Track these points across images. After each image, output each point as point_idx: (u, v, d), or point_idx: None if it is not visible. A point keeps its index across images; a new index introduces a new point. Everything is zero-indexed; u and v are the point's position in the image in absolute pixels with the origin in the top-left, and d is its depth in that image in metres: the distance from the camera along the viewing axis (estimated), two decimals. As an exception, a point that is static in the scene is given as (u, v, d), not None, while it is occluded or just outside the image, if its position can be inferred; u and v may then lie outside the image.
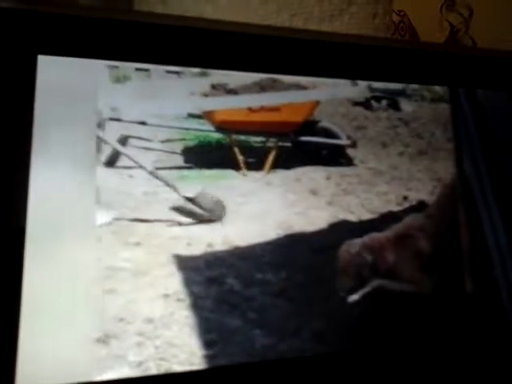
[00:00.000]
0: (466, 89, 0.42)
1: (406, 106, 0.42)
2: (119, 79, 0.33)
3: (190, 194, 0.33)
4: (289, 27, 0.40)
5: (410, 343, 0.36)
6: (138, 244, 0.31)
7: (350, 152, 0.39)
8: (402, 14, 0.70)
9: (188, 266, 0.32)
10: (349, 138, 0.40)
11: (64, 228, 0.29)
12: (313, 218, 0.36)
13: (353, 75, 0.39)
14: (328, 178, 0.38)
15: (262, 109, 0.38)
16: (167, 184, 0.33)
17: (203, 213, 0.33)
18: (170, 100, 0.35)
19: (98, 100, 0.32)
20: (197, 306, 0.31)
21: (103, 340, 0.28)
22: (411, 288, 0.37)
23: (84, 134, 0.31)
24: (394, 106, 0.42)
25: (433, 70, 0.41)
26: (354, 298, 0.35)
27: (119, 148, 0.33)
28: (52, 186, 0.29)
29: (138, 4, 0.44)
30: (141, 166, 0.33)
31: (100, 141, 0.32)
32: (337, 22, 0.43)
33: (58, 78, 0.30)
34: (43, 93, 0.30)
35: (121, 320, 0.29)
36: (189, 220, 0.33)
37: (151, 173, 0.33)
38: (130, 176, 0.33)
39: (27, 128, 0.29)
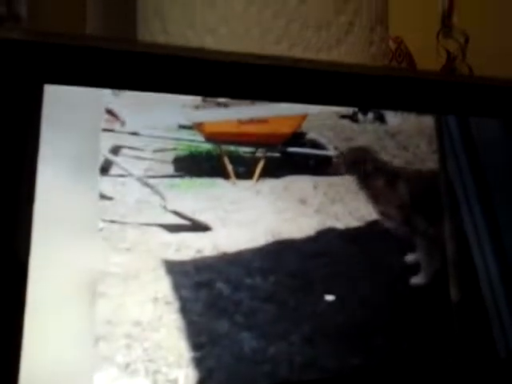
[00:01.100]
0: (462, 117, 0.43)
1: (392, 118, 0.44)
2: (114, 91, 0.35)
3: (177, 207, 0.34)
4: (288, 56, 0.41)
5: (400, 346, 0.36)
6: (128, 249, 0.32)
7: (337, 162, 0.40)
8: (398, 40, 0.71)
9: (177, 270, 0.32)
10: (336, 148, 0.41)
11: (57, 234, 0.30)
12: (301, 225, 0.37)
13: (350, 103, 0.40)
14: (316, 187, 0.39)
15: (252, 121, 0.39)
16: (155, 191, 0.34)
17: (188, 223, 0.34)
18: (163, 111, 0.36)
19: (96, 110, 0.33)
20: (185, 309, 0.31)
21: (93, 342, 0.29)
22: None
23: (81, 143, 0.32)
24: (380, 118, 0.44)
25: (427, 99, 0.42)
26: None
27: (109, 156, 0.34)
28: (50, 193, 0.30)
29: (141, 34, 0.46)
30: (130, 174, 0.34)
31: (95, 150, 0.33)
32: (334, 52, 0.45)
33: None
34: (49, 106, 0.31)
35: (109, 322, 0.30)
36: (178, 227, 0.34)
37: (139, 179, 0.34)
38: (123, 184, 0.34)
39: (34, 142, 0.30)
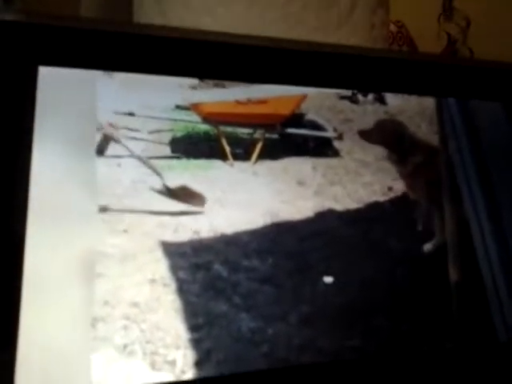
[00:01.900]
0: (462, 99, 0.42)
1: (392, 99, 0.43)
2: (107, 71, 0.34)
3: (173, 185, 0.34)
4: (286, 38, 0.41)
5: (398, 328, 0.36)
6: (125, 231, 0.31)
7: (337, 144, 0.40)
8: (399, 24, 0.71)
9: (174, 252, 0.32)
10: (335, 130, 0.40)
11: (55, 216, 0.30)
12: (299, 207, 0.36)
13: (351, 85, 0.40)
14: (315, 169, 0.38)
15: (250, 101, 0.39)
16: (154, 171, 0.34)
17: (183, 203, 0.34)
18: (159, 92, 0.35)
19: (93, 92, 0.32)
20: (183, 290, 0.31)
21: (91, 323, 0.29)
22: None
23: (79, 124, 0.32)
24: (381, 99, 0.43)
25: (427, 81, 0.42)
26: None
27: (109, 132, 0.33)
28: (45, 175, 0.30)
29: (137, 16, 0.45)
30: (131, 152, 0.33)
31: (93, 130, 0.32)
32: (335, 34, 0.44)
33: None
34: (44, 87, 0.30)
35: (107, 303, 0.29)
36: (176, 208, 0.33)
37: (139, 158, 0.33)
38: (118, 165, 0.33)
39: (29, 124, 0.30)
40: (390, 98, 0.43)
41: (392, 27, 0.66)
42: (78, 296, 0.29)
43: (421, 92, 0.42)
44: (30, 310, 0.28)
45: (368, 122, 0.41)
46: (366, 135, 0.40)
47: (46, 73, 0.30)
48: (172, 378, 0.29)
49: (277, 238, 0.35)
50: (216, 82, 0.38)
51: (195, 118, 0.36)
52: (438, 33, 0.74)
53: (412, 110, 0.43)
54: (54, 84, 0.30)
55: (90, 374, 0.28)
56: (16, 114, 0.29)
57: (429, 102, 0.43)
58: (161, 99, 0.35)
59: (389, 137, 0.41)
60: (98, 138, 0.32)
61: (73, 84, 0.31)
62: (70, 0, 0.53)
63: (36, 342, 0.27)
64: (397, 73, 0.41)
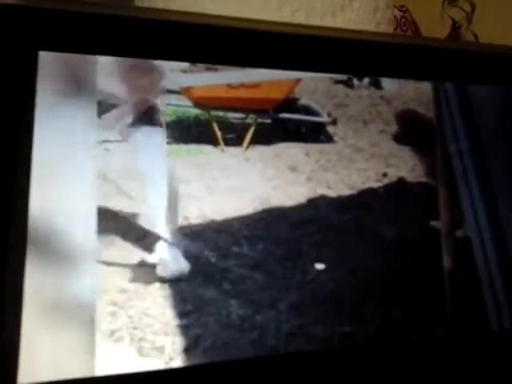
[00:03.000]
0: (466, 84, 0.42)
1: (388, 84, 0.42)
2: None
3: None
4: (290, 23, 0.40)
5: (390, 316, 0.36)
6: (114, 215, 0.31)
7: (330, 129, 0.39)
8: (404, 9, 0.70)
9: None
10: (329, 115, 0.40)
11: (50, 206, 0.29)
12: (291, 193, 0.36)
13: (355, 71, 0.39)
14: (307, 155, 0.38)
15: (242, 85, 0.38)
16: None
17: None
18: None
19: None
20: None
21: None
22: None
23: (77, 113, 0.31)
24: (376, 84, 0.42)
25: (433, 65, 0.41)
26: None
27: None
28: (45, 162, 0.29)
29: (138, 0, 0.44)
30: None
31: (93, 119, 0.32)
32: (339, 18, 0.43)
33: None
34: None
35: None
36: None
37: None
38: (106, 149, 0.33)
39: (30, 109, 0.29)
40: (386, 82, 0.42)
41: (396, 12, 0.66)
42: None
43: (420, 76, 0.41)
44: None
45: (363, 106, 0.41)
46: (401, 140, 0.40)
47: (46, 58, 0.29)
48: (160, 364, 0.29)
49: (268, 224, 0.35)
50: (208, 65, 0.37)
51: (186, 102, 0.36)
52: (443, 18, 0.73)
53: (408, 95, 0.42)
54: (53, 69, 0.30)
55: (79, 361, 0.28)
56: (16, 100, 0.29)
57: (426, 87, 0.42)
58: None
59: (415, 129, 0.40)
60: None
61: (72, 68, 0.31)
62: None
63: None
64: (401, 57, 0.40)
